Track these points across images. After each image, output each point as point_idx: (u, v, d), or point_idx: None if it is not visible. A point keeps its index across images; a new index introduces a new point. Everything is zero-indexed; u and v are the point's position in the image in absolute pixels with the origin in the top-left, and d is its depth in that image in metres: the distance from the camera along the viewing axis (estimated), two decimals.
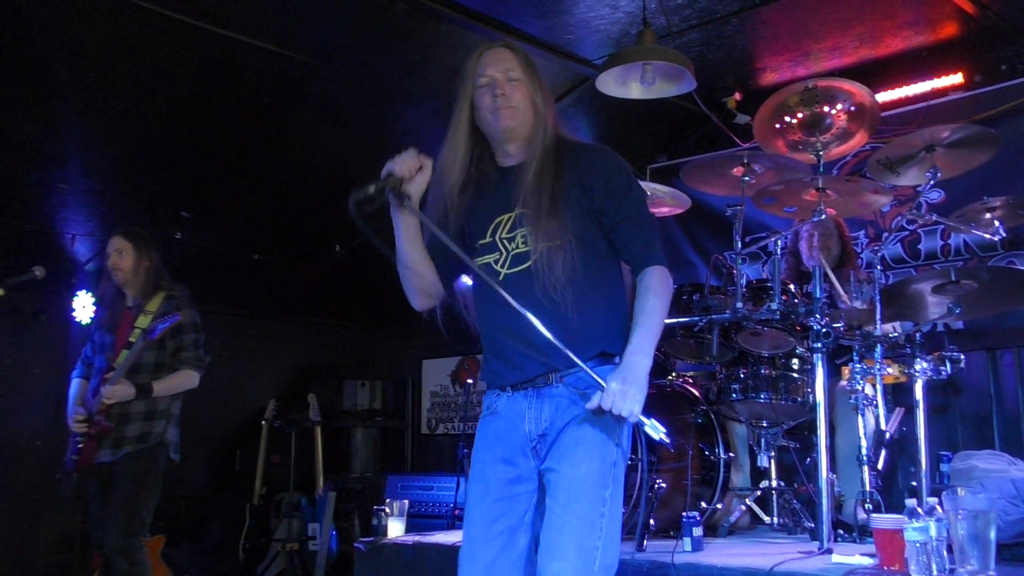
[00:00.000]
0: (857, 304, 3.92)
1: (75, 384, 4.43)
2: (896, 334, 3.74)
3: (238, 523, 6.43)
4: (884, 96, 5.18)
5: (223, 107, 4.81)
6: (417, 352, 7.89)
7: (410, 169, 2.35)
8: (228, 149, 5.16)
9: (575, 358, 2.17)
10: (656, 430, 2.13)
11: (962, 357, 3.86)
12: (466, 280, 2.55)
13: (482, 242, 2.40)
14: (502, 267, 2.34)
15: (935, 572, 2.85)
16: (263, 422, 6.56)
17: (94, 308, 5.97)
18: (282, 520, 6.41)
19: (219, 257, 6.11)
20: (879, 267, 3.78)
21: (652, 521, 3.73)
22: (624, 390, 2.10)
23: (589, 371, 2.17)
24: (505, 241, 2.35)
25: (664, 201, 4.61)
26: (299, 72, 4.68)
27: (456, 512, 5.84)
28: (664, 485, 3.78)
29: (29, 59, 4.22)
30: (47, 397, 6.10)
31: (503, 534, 2.29)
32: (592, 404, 2.14)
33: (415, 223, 2.40)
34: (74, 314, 6.02)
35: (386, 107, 5.14)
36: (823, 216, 3.69)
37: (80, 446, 4.20)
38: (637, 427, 2.20)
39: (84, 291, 6.03)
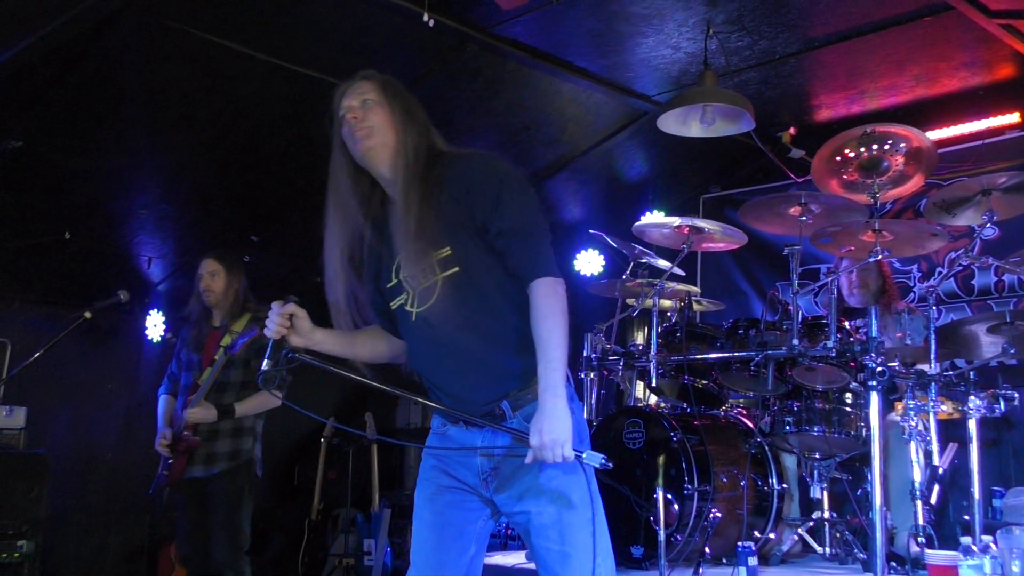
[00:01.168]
0: (898, 338, 4.02)
1: (162, 401, 4.57)
2: (949, 373, 3.82)
3: (297, 537, 6.60)
4: (939, 133, 5.27)
5: (297, 140, 5.02)
6: None
7: (281, 326, 2.29)
8: (299, 179, 5.36)
9: (480, 420, 2.13)
10: (594, 459, 2.05)
11: (1016, 395, 3.94)
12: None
13: (389, 285, 2.32)
14: (412, 307, 2.24)
15: None
16: (321, 439, 6.74)
17: (164, 327, 6.22)
18: (339, 535, 6.58)
19: (284, 279, 6.33)
20: (933, 303, 3.86)
21: (707, 549, 3.85)
22: (542, 443, 2.03)
23: (506, 429, 2.13)
24: (408, 279, 2.24)
25: (716, 237, 4.72)
26: None
27: (509, 532, 5.97)
28: (719, 515, 3.90)
29: (116, 97, 4.47)
30: (119, 412, 6.36)
31: (453, 540, 2.28)
32: (528, 460, 2.08)
33: (329, 344, 2.35)
34: (147, 332, 6.27)
35: (452, 140, 5.29)
36: (879, 257, 3.79)
37: (171, 462, 4.33)
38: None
39: (156, 310, 6.28)
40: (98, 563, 6.21)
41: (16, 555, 4.80)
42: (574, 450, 2.05)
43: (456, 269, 2.17)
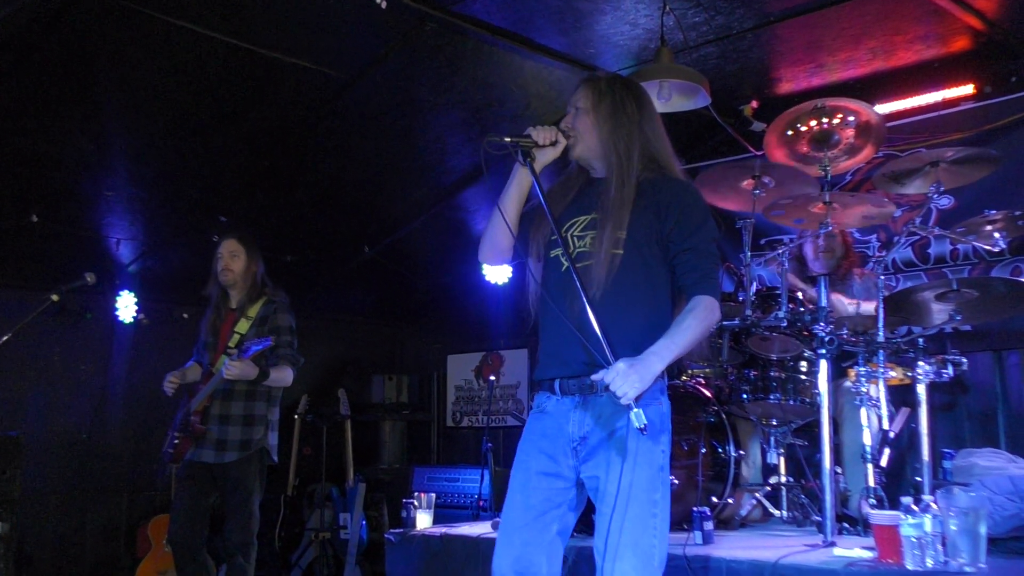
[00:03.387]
0: (863, 302, 4.12)
1: (190, 362, 4.68)
2: (898, 340, 3.92)
3: (273, 513, 6.69)
4: (896, 105, 5.34)
5: (261, 120, 5.06)
6: (442, 348, 8.14)
7: (545, 138, 2.58)
8: (265, 159, 5.41)
9: (602, 339, 2.32)
10: (639, 419, 2.24)
11: (964, 360, 4.05)
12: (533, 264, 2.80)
13: (553, 237, 2.62)
14: (566, 260, 2.51)
15: (929, 564, 3.06)
16: (295, 416, 6.82)
17: (137, 309, 6.25)
18: (314, 510, 6.67)
19: None
20: (887, 271, 3.96)
21: None
22: (627, 373, 2.27)
23: (606, 347, 2.32)
24: (575, 239, 2.58)
25: None
26: (334, 87, 4.92)
27: (480, 504, 6.08)
28: (677, 481, 4.00)
29: (83, 80, 4.48)
30: (92, 393, 6.39)
31: (539, 519, 2.52)
32: (597, 376, 2.34)
33: (527, 182, 2.63)
34: (117, 314, 6.30)
35: (415, 119, 5.38)
36: (829, 228, 3.89)
37: (176, 442, 4.42)
38: None
39: (127, 291, 6.31)
40: (77, 543, 6.27)
41: None
42: (635, 403, 2.26)
43: (620, 252, 2.47)
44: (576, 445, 2.51)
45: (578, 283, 2.38)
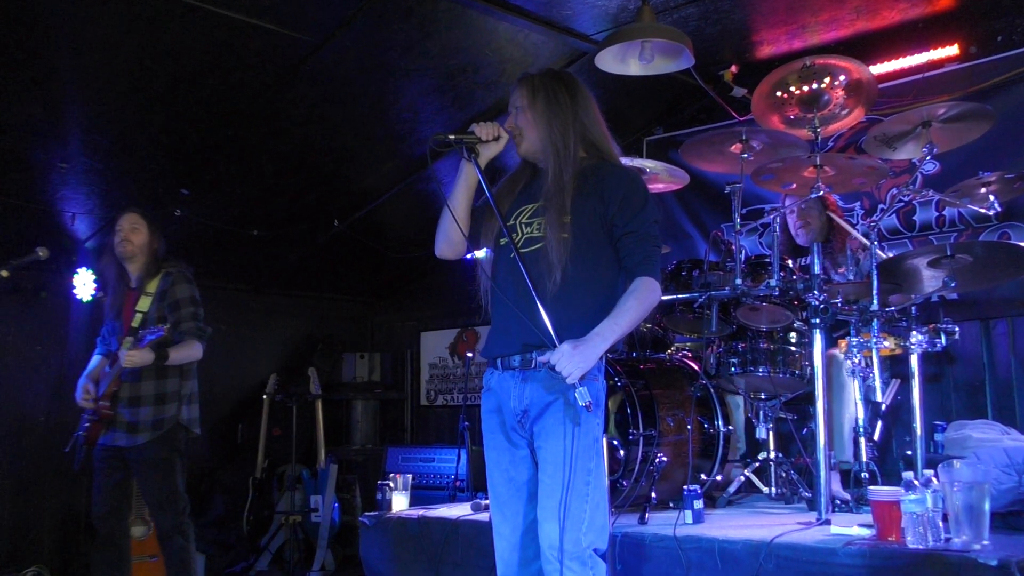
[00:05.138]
0: (850, 276, 3.98)
1: (94, 359, 4.49)
2: (891, 308, 3.79)
3: (241, 496, 6.49)
4: (880, 68, 5.21)
5: (223, 86, 4.81)
6: (415, 324, 7.95)
7: (488, 134, 2.70)
8: (228, 127, 5.16)
9: (548, 323, 2.47)
10: (583, 398, 2.40)
11: (956, 329, 3.95)
12: (480, 255, 2.91)
13: (508, 224, 2.73)
14: (516, 246, 2.64)
15: (931, 542, 2.94)
16: (264, 396, 6.61)
17: (96, 286, 6.01)
18: (285, 492, 6.48)
19: (219, 233, 6.13)
20: (875, 240, 3.83)
21: (654, 494, 3.82)
22: (572, 354, 2.42)
23: (550, 331, 2.46)
24: (523, 226, 2.71)
25: (660, 177, 4.64)
26: (299, 51, 4.67)
27: (458, 484, 5.92)
28: (665, 459, 3.86)
29: (29, 39, 4.20)
30: (49, 374, 6.14)
31: (521, 488, 2.70)
32: (543, 358, 2.49)
33: (473, 178, 2.75)
34: (75, 291, 6.03)
35: (386, 84, 5.15)
36: (821, 193, 3.74)
37: (87, 424, 4.27)
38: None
39: (84, 268, 6.04)
40: (35, 529, 6.03)
41: None
42: (578, 383, 2.41)
43: (567, 235, 2.58)
44: (520, 418, 2.66)
45: (522, 267, 2.53)
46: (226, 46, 4.52)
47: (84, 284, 6.05)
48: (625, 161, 4.47)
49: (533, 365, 2.61)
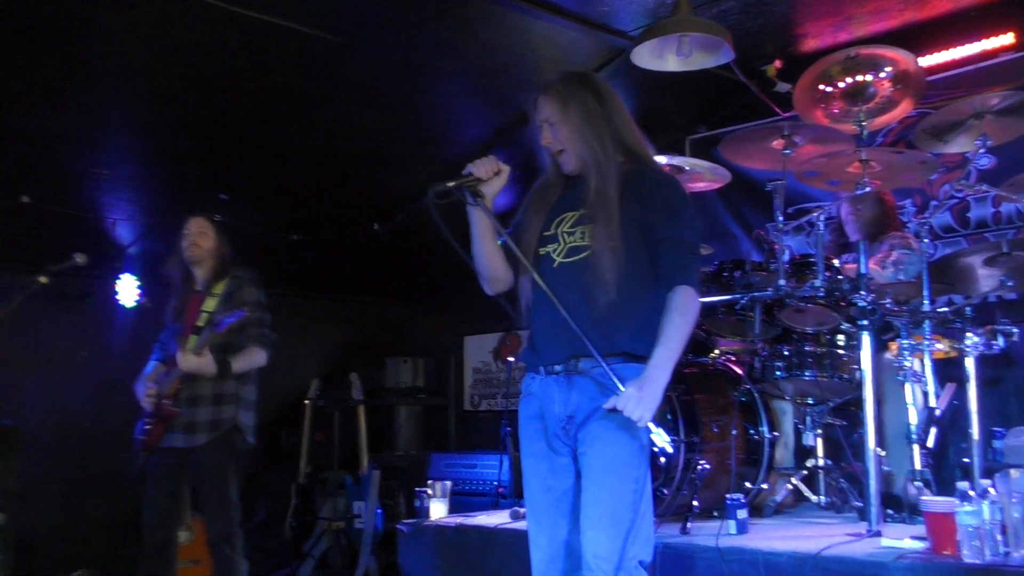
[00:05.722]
0: (890, 274, 3.82)
1: (151, 365, 4.44)
2: (944, 310, 3.61)
3: (284, 502, 6.48)
4: (931, 59, 5.03)
5: (257, 89, 4.80)
6: (459, 328, 7.89)
7: (487, 172, 2.59)
8: (263, 131, 5.16)
9: (598, 357, 2.41)
10: (661, 438, 2.36)
11: (1015, 330, 3.76)
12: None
13: (546, 233, 2.67)
14: (558, 256, 2.61)
15: (988, 556, 2.78)
16: (306, 401, 6.60)
17: (140, 292, 6.04)
18: (328, 499, 6.45)
19: (258, 238, 6.12)
20: (927, 238, 3.66)
21: (696, 503, 3.69)
22: (640, 397, 2.35)
23: (608, 371, 2.39)
24: (565, 235, 2.62)
25: (703, 176, 4.51)
26: (332, 52, 4.65)
27: (500, 491, 5.84)
28: (708, 466, 3.73)
29: (65, 47, 4.24)
30: (94, 380, 6.20)
31: (560, 498, 2.60)
32: (608, 405, 2.39)
33: (485, 219, 2.63)
34: (118, 297, 6.09)
35: (420, 85, 5.10)
36: (867, 189, 3.59)
37: (148, 427, 4.21)
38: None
39: (127, 274, 6.09)
40: (80, 533, 6.09)
41: None
42: (651, 425, 2.35)
43: (612, 243, 2.50)
44: (564, 424, 2.57)
45: (577, 276, 2.48)
46: (259, 49, 4.52)
47: (127, 290, 6.10)
48: (664, 159, 4.40)
49: (580, 370, 2.53)
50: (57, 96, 4.58)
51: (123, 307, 6.13)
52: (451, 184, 2.53)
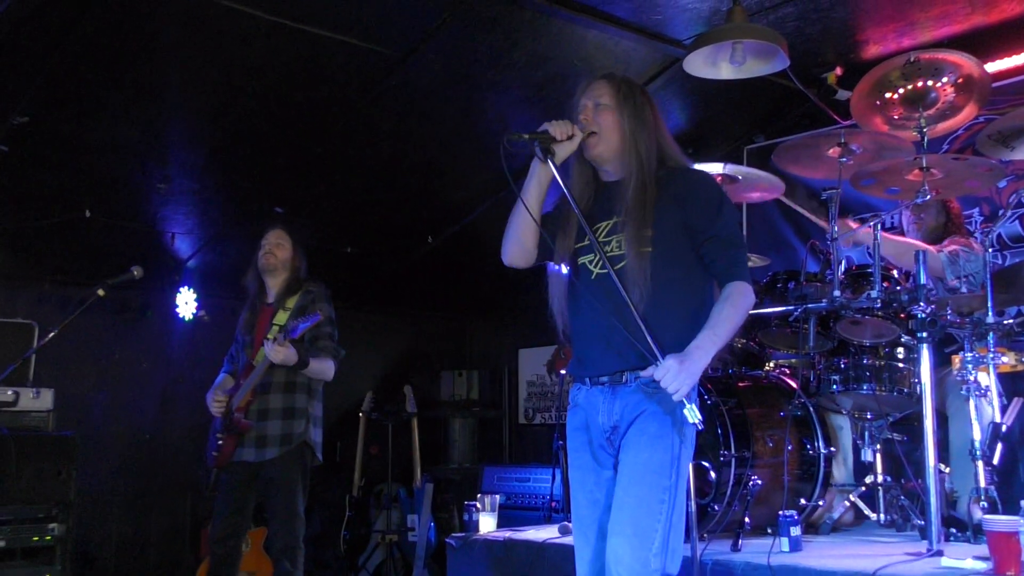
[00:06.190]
0: (954, 284, 3.68)
1: (221, 376, 4.48)
2: (1010, 322, 3.48)
3: (339, 514, 6.50)
4: (999, 65, 4.86)
5: (310, 102, 4.83)
6: (513, 341, 7.86)
7: (562, 133, 2.52)
8: (317, 144, 5.19)
9: (649, 338, 2.32)
10: (693, 415, 2.30)
11: None
12: (562, 269, 2.73)
13: (579, 244, 2.64)
14: (595, 267, 2.58)
15: None
16: (360, 414, 6.62)
17: (197, 305, 6.12)
18: (382, 511, 6.47)
19: (313, 251, 6.14)
20: (992, 248, 3.52)
21: (747, 519, 3.60)
22: (678, 369, 2.30)
23: (651, 342, 2.32)
24: (602, 244, 2.55)
25: (751, 186, 4.41)
26: (384, 65, 4.66)
27: (552, 505, 5.78)
28: (760, 481, 3.63)
29: (119, 63, 4.31)
30: (154, 391, 6.30)
31: (604, 511, 2.54)
32: (647, 373, 2.36)
33: (547, 178, 2.58)
34: (177, 310, 6.18)
35: (473, 96, 5.09)
36: (928, 197, 3.47)
37: (220, 443, 4.22)
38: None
39: (186, 287, 6.18)
40: (140, 544, 6.18)
41: (48, 538, 4.74)
42: (686, 400, 2.31)
43: (649, 249, 2.47)
44: (609, 435, 2.54)
45: (619, 285, 2.39)
46: (311, 62, 4.55)
47: (186, 303, 6.19)
48: (719, 167, 4.32)
49: (624, 380, 2.50)
50: (125, 111, 4.65)
51: (182, 319, 6.21)
52: (526, 136, 2.52)
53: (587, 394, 2.60)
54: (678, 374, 2.29)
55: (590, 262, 2.59)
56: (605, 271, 2.49)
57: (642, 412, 2.46)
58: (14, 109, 4.40)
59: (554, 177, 2.53)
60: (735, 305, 2.46)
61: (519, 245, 2.66)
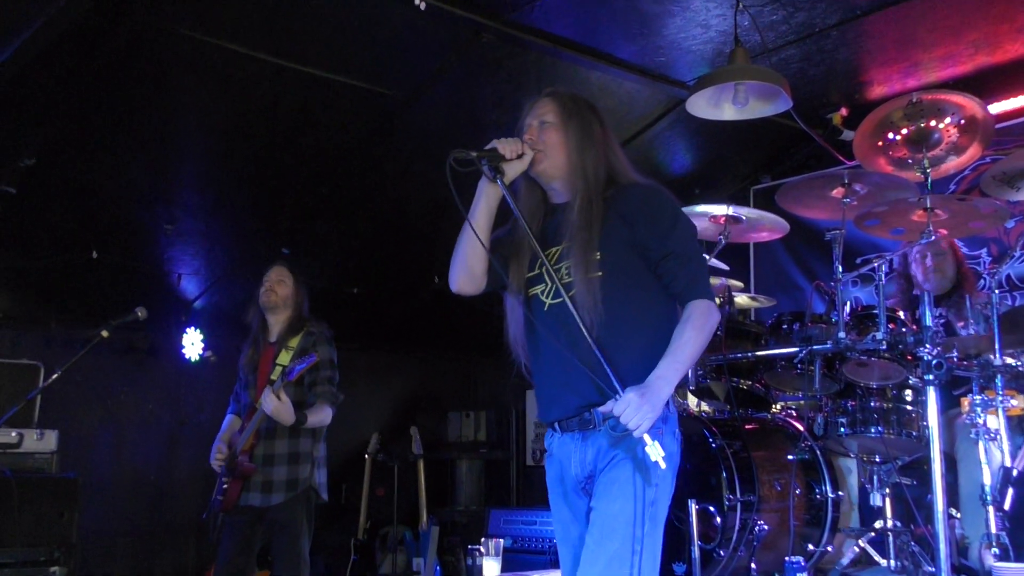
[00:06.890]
0: (974, 330, 3.65)
1: (227, 420, 4.44)
2: (1018, 364, 3.44)
3: (344, 557, 6.43)
4: (1004, 105, 4.89)
5: (316, 145, 4.87)
6: (520, 382, 7.79)
7: (511, 151, 2.43)
8: (323, 185, 5.22)
9: (607, 370, 2.20)
10: (655, 452, 2.15)
11: None
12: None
13: (530, 274, 2.50)
14: (547, 297, 2.44)
15: None
16: (366, 456, 6.57)
17: (203, 346, 6.12)
18: (387, 554, 6.39)
19: (319, 292, 6.15)
20: (1000, 289, 3.49)
21: (754, 565, 3.54)
22: (639, 403, 2.16)
23: (609, 374, 2.19)
24: (548, 273, 2.40)
25: (755, 226, 4.40)
26: (390, 107, 4.70)
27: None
28: (766, 526, 3.58)
29: (131, 105, 4.36)
30: (161, 433, 6.28)
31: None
32: (605, 408, 2.24)
33: (496, 199, 2.48)
34: (184, 351, 6.17)
35: (478, 138, 5.05)
36: (932, 238, 3.44)
37: (225, 487, 4.18)
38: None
39: (193, 328, 6.17)
40: None
41: None
42: (648, 435, 2.15)
43: (599, 274, 2.34)
44: (584, 485, 2.42)
45: (575, 314, 2.26)
46: (318, 105, 4.59)
47: (192, 344, 6.18)
48: (723, 208, 4.30)
49: (592, 425, 2.34)
50: (132, 154, 4.69)
51: (188, 360, 6.20)
52: (474, 153, 2.41)
53: (559, 442, 2.47)
54: (639, 408, 2.15)
55: (542, 292, 2.45)
56: (558, 300, 2.37)
57: (612, 459, 2.32)
58: (22, 151, 4.43)
59: (503, 198, 2.43)
60: (697, 327, 2.30)
61: (466, 272, 2.53)
